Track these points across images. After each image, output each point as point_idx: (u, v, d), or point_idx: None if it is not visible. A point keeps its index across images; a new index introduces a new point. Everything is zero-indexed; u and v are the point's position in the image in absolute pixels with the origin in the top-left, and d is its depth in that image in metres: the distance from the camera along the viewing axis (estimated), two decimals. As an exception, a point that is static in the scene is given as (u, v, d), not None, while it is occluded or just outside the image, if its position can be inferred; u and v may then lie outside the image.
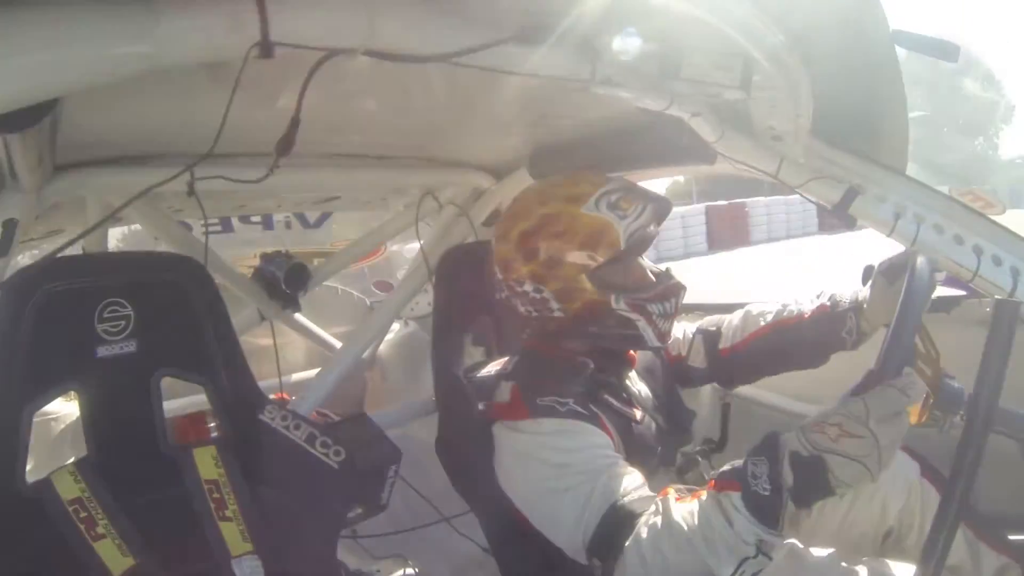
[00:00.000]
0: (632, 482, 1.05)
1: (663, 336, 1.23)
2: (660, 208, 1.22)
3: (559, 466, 1.07)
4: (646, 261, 1.27)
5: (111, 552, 0.94)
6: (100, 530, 0.95)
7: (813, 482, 0.87)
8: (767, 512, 0.89)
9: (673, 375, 1.40)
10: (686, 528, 0.93)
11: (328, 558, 1.11)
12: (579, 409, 1.11)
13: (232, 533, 1.03)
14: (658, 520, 0.96)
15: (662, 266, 1.30)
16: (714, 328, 1.42)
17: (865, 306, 1.23)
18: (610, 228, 1.15)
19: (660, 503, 0.98)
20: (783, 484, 0.88)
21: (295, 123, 0.77)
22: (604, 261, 1.16)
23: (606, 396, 1.19)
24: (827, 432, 0.88)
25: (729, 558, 0.90)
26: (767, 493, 0.88)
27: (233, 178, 0.97)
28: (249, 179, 0.92)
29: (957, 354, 0.99)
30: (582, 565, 1.05)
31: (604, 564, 0.99)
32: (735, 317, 1.41)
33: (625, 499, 1.01)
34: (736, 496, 0.91)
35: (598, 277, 1.17)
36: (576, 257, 1.16)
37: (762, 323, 1.35)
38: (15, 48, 0.57)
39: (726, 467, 0.97)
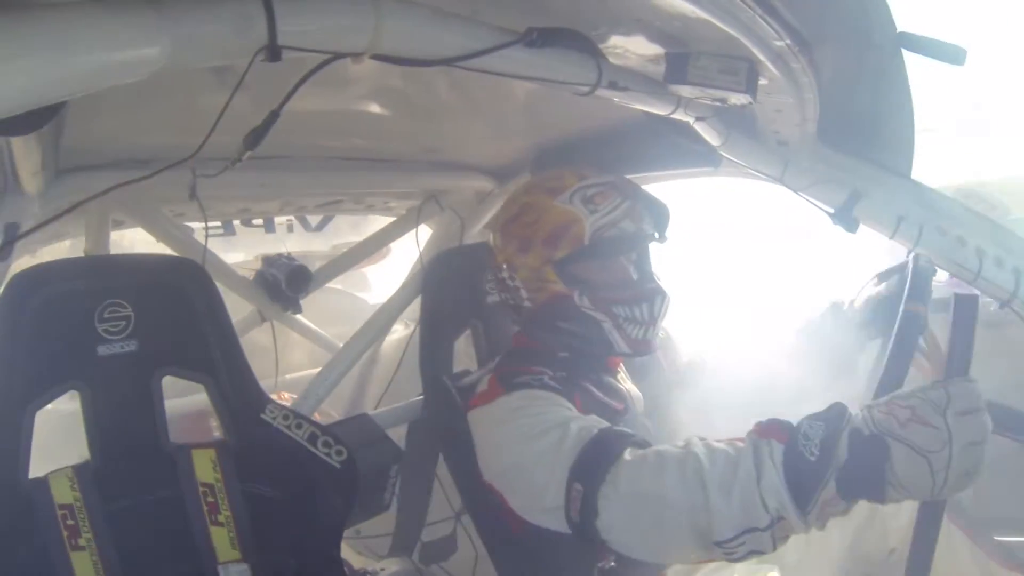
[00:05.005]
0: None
1: (634, 343, 1.17)
2: (647, 210, 1.18)
3: (528, 424, 1.03)
4: (647, 266, 1.23)
5: (86, 567, 0.93)
6: (81, 542, 0.93)
7: (868, 468, 0.76)
8: (804, 481, 0.77)
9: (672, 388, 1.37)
10: (705, 462, 0.82)
11: (331, 557, 1.11)
12: (553, 384, 1.10)
13: (222, 539, 1.02)
14: (672, 449, 0.87)
15: None
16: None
17: None
18: (577, 222, 1.14)
19: (683, 443, 0.88)
20: (834, 459, 0.77)
21: (273, 116, 0.75)
22: (566, 254, 1.14)
23: (585, 384, 1.17)
24: (896, 415, 0.77)
25: (738, 516, 0.80)
26: (813, 459, 0.77)
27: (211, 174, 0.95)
28: (255, 182, 0.92)
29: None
30: (573, 561, 1.02)
31: (587, 489, 0.90)
32: None
33: (612, 429, 0.95)
34: (779, 447, 0.80)
35: (560, 269, 1.16)
36: (541, 247, 1.15)
37: None
38: (22, 51, 0.56)
39: (773, 418, 0.85)
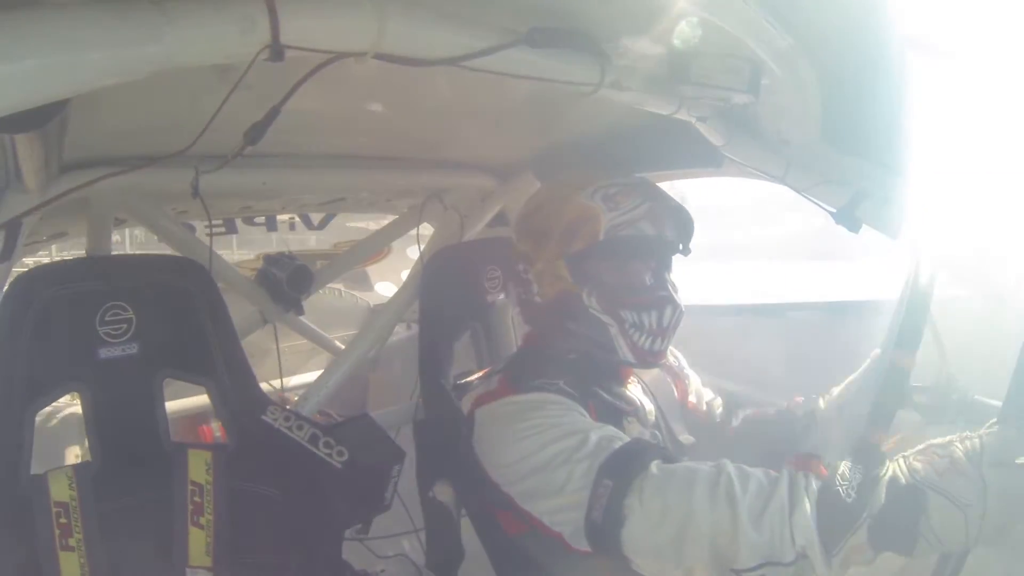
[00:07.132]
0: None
1: (640, 353, 1.13)
2: (669, 216, 1.15)
3: (544, 425, 0.99)
4: (665, 275, 1.20)
5: (73, 568, 0.93)
6: (72, 542, 0.94)
7: (903, 518, 0.73)
8: (837, 523, 0.74)
9: (680, 413, 1.36)
10: (737, 484, 0.80)
11: (333, 558, 1.11)
12: (568, 389, 1.08)
13: (198, 542, 1.02)
14: (703, 466, 0.85)
15: None
16: (741, 409, 1.40)
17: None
18: (595, 217, 1.11)
19: (714, 463, 0.86)
20: (868, 505, 0.74)
21: (274, 112, 0.75)
22: (580, 249, 1.13)
23: (597, 389, 1.15)
24: (935, 464, 0.74)
25: (764, 547, 0.77)
26: (850, 501, 0.74)
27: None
28: (257, 181, 0.91)
29: (956, 352, 0.99)
30: (571, 566, 1.00)
31: (616, 484, 0.87)
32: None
33: (641, 440, 0.93)
34: (815, 483, 0.78)
35: (573, 264, 1.14)
36: (557, 239, 1.15)
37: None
38: (26, 49, 0.57)
39: (811, 452, 0.84)
